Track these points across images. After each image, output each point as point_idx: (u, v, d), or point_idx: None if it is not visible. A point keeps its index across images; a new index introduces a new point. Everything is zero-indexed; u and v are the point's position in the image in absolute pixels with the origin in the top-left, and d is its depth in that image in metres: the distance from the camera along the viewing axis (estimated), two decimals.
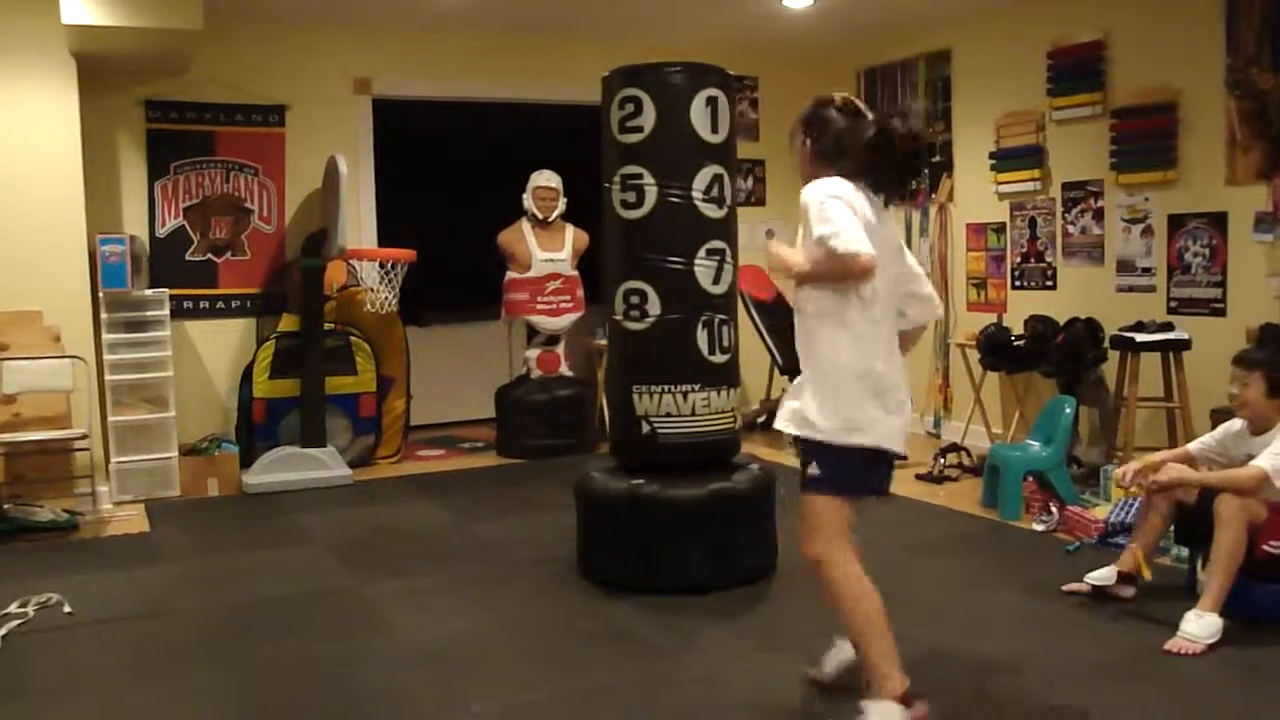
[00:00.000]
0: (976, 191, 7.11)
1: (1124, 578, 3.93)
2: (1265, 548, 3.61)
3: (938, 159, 7.39)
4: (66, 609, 4.09)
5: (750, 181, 8.23)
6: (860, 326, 2.82)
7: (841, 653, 3.16)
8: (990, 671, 3.36)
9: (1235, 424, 3.90)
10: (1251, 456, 3.72)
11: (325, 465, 6.24)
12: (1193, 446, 4.02)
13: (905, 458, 3.04)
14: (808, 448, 2.91)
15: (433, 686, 3.35)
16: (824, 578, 2.89)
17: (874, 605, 2.83)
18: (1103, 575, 3.96)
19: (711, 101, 4.16)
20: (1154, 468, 3.85)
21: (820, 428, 2.84)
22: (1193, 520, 3.86)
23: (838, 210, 2.70)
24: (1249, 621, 3.60)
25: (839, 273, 2.72)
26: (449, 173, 8.60)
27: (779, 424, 2.97)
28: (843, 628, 2.98)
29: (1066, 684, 3.24)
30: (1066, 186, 6.46)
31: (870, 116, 2.90)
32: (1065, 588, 4.04)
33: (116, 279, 5.86)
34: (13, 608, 4.07)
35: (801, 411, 2.89)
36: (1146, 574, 3.88)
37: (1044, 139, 6.58)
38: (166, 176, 6.61)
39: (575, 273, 7.19)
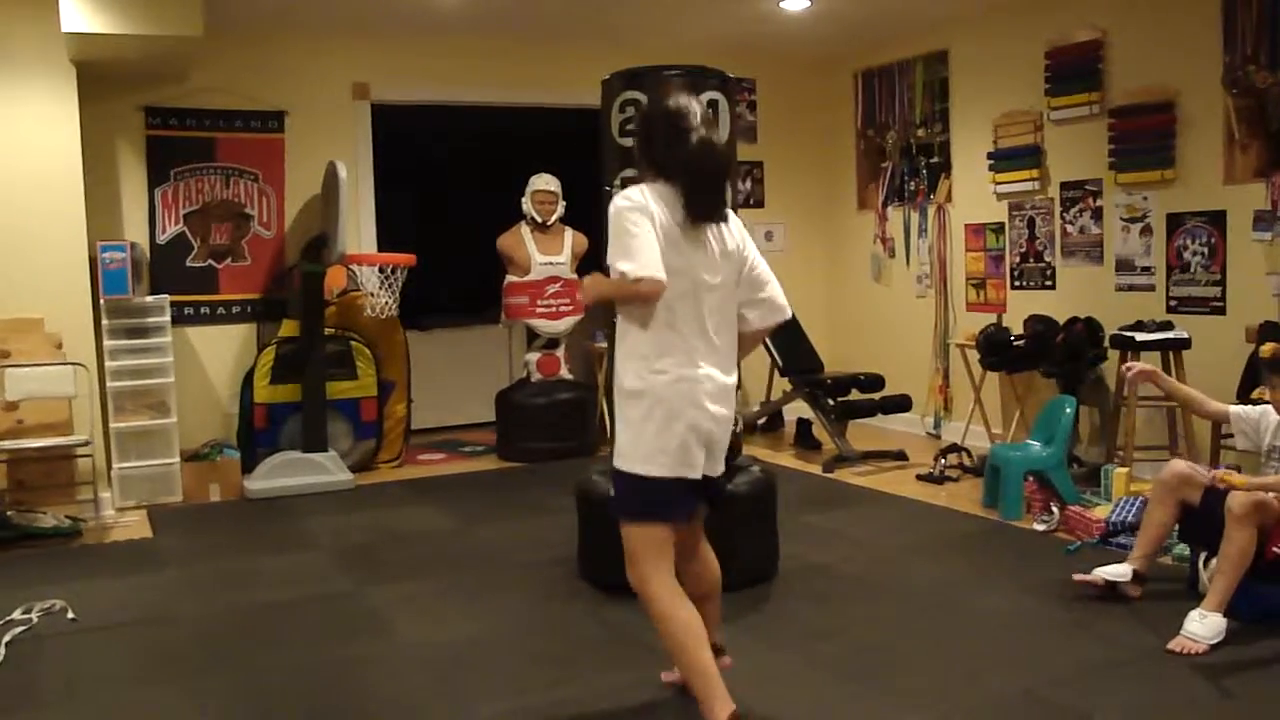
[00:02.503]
0: (975, 192, 7.12)
1: (1136, 576, 3.92)
2: (1276, 549, 3.60)
3: (936, 160, 7.41)
4: (70, 615, 4.09)
5: (749, 184, 8.24)
6: (657, 338, 2.81)
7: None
8: (991, 671, 3.37)
9: (1275, 416, 3.85)
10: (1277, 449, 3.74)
11: (327, 470, 6.25)
12: (1233, 409, 3.96)
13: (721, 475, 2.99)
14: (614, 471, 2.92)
15: (435, 690, 3.35)
16: (644, 603, 2.86)
17: (688, 631, 2.78)
18: (1117, 571, 3.92)
19: (712, 104, 4.16)
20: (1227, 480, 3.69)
21: (621, 452, 2.86)
22: (1197, 520, 3.86)
23: (632, 229, 2.73)
24: (1253, 622, 3.60)
25: (628, 296, 2.76)
26: (448, 177, 8.63)
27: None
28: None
29: (1068, 684, 3.25)
30: (1065, 186, 6.47)
31: (692, 125, 2.85)
32: (1077, 578, 4.01)
33: (117, 286, 5.87)
34: (17, 614, 4.08)
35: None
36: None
37: (1042, 139, 6.59)
38: (167, 183, 6.62)
39: (575, 276, 7.20)
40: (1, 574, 4.70)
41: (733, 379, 2.95)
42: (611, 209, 2.80)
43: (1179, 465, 3.95)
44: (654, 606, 2.82)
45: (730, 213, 3.01)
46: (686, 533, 3.01)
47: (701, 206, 2.85)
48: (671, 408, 2.79)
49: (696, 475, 2.85)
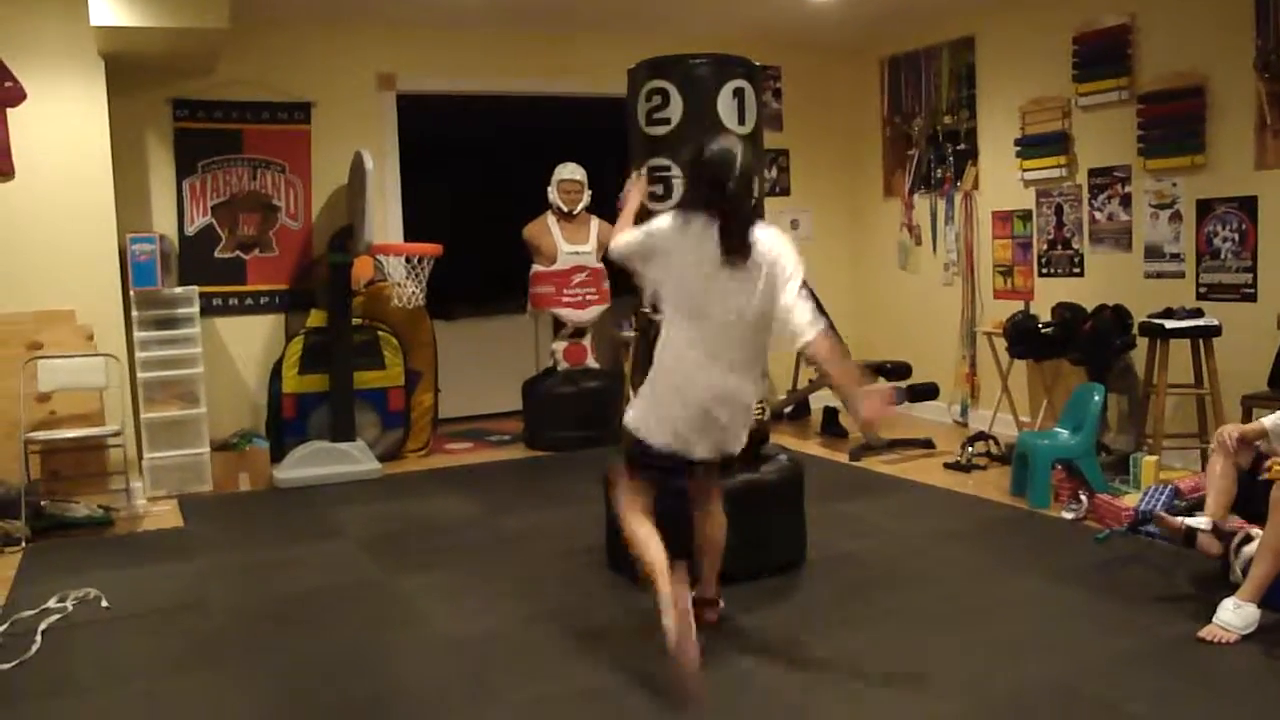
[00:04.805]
0: (1002, 179, 7.07)
1: (1215, 529, 3.76)
2: None
3: (963, 146, 7.36)
4: (104, 603, 4.14)
5: (775, 171, 8.21)
6: (680, 343, 3.37)
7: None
8: (1019, 659, 3.36)
9: None
10: None
11: (355, 459, 6.29)
12: (1267, 421, 3.83)
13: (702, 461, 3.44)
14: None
15: (463, 678, 3.38)
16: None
17: (643, 540, 3.35)
18: (1199, 521, 3.78)
19: (739, 93, 4.15)
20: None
21: (631, 413, 3.51)
22: (1243, 486, 3.76)
23: (641, 231, 3.52)
24: None
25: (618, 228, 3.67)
26: (474, 167, 8.64)
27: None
28: None
29: (1097, 671, 3.24)
30: (1093, 173, 6.42)
31: (732, 175, 3.33)
32: (1158, 514, 3.93)
33: (147, 277, 5.92)
34: (51, 603, 4.13)
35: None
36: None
37: (1070, 125, 6.53)
38: (194, 175, 6.67)
39: (601, 265, 7.19)
40: (36, 563, 4.76)
41: (739, 383, 3.36)
42: (655, 219, 3.51)
43: (1230, 426, 3.88)
44: (622, 525, 3.46)
45: (764, 230, 3.41)
46: (697, 488, 3.58)
47: (734, 240, 3.31)
48: (671, 401, 3.36)
49: (686, 453, 3.37)
